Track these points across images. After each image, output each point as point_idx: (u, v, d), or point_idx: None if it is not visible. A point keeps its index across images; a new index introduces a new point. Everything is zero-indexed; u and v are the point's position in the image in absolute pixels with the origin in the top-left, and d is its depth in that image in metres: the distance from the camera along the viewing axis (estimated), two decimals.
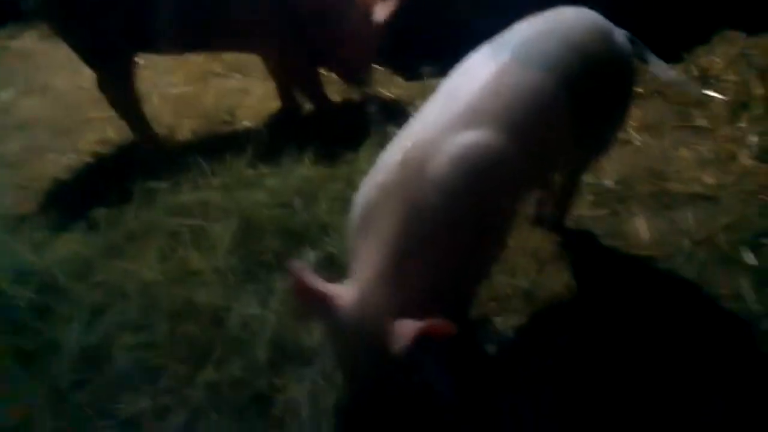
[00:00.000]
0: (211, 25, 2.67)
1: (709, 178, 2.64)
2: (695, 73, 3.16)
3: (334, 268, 2.07)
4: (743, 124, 2.86)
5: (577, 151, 1.97)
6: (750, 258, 2.29)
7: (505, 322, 2.10)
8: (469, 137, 1.52)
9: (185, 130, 3.09)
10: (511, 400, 1.86)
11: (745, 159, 2.71)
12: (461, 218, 1.51)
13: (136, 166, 2.72)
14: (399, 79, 3.43)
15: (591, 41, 1.76)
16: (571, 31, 1.76)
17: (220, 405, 1.79)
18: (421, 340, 1.35)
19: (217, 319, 1.95)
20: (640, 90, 3.15)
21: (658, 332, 2.07)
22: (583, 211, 2.52)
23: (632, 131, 2.91)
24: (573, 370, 1.95)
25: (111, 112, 2.91)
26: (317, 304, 1.46)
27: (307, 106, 3.21)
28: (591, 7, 1.94)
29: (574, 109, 1.70)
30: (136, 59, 2.83)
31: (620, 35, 1.90)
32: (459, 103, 1.58)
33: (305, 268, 1.48)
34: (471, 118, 1.55)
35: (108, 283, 2.14)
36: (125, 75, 2.75)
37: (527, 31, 1.75)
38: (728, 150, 2.76)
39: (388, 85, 3.37)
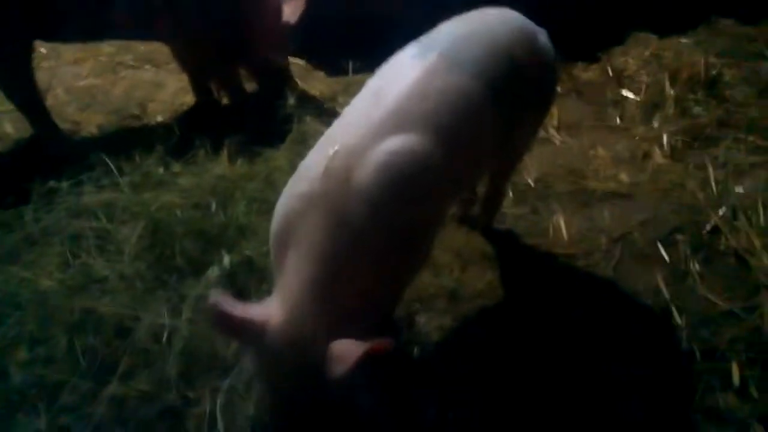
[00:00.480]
0: (114, 10, 2.49)
1: (624, 176, 2.71)
2: (611, 73, 3.24)
3: (252, 272, 1.98)
4: (656, 124, 2.96)
5: (502, 153, 1.97)
6: (665, 254, 2.36)
7: (429, 323, 2.07)
8: (395, 144, 1.47)
9: (91, 125, 2.90)
10: (434, 401, 1.83)
11: (659, 157, 2.80)
12: (389, 227, 1.46)
13: (36, 163, 2.52)
14: (321, 75, 3.35)
15: (517, 45, 1.75)
16: (498, 35, 1.73)
17: (126, 421, 1.66)
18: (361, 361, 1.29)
19: (122, 329, 1.82)
20: (558, 89, 3.21)
21: (578, 329, 2.10)
22: (505, 209, 2.54)
23: (552, 130, 2.96)
24: (495, 369, 1.95)
25: (8, 105, 2.68)
26: (242, 331, 1.37)
27: (224, 100, 3.08)
28: (511, 7, 1.93)
29: (500, 113, 1.68)
30: (36, 47, 2.61)
31: (543, 36, 1.90)
32: (385, 107, 1.51)
33: (223, 299, 1.38)
34: (397, 122, 1.49)
35: (2, 293, 1.96)
36: (22, 64, 2.54)
37: (454, 34, 1.71)
38: (643, 149, 2.85)
39: (310, 81, 3.29)
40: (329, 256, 1.41)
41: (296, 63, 3.38)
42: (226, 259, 1.94)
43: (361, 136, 1.47)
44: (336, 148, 1.47)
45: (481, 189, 2.40)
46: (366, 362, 1.30)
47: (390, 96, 1.53)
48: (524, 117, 1.87)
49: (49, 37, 2.71)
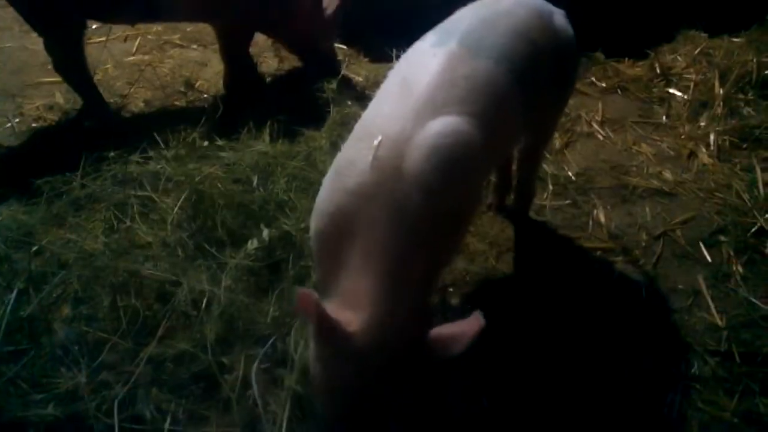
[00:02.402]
0: None
1: (668, 174, 2.67)
2: (658, 70, 3.18)
3: (291, 247, 2.00)
4: (703, 123, 2.90)
5: (529, 135, 1.98)
6: (706, 255, 2.32)
7: (462, 307, 2.06)
8: (439, 126, 1.46)
9: (139, 99, 2.96)
10: (469, 388, 1.83)
11: (704, 157, 2.74)
12: (443, 209, 1.45)
13: (84, 133, 2.59)
14: (364, 60, 3.36)
15: (535, 28, 1.75)
16: (515, 19, 1.73)
17: (162, 382, 1.70)
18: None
19: (163, 294, 1.86)
20: (602, 84, 3.18)
21: (614, 324, 2.08)
22: (543, 201, 2.52)
23: (595, 125, 2.92)
24: (527, 358, 1.93)
25: (59, 76, 2.76)
26: (329, 331, 1.33)
27: (268, 80, 3.12)
28: (560, 3, 1.93)
29: (523, 94, 1.68)
30: (86, 24, 2.69)
31: (560, 16, 1.90)
32: (418, 94, 1.49)
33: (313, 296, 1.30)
34: (433, 108, 1.47)
35: (48, 252, 2.01)
36: (73, 40, 2.61)
37: (471, 20, 1.70)
38: (688, 147, 2.80)
39: (353, 66, 3.31)
40: (396, 251, 1.39)
41: (340, 48, 3.40)
42: (265, 232, 1.96)
43: (402, 124, 1.45)
44: (379, 138, 1.44)
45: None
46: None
47: (420, 84, 1.52)
48: (548, 97, 1.87)
49: (101, 18, 2.77)
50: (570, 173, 2.65)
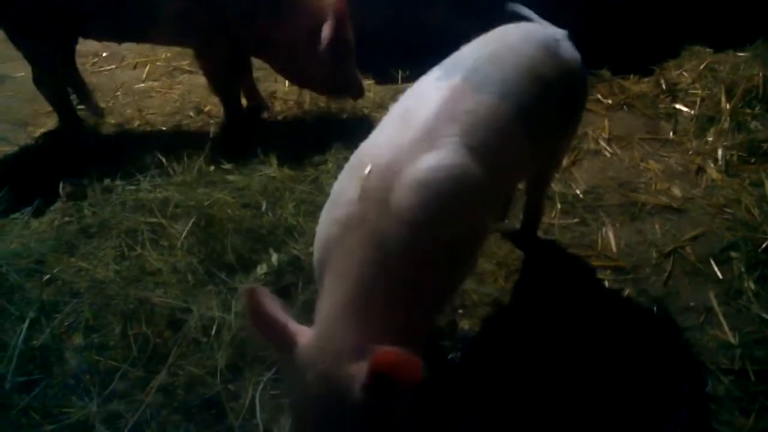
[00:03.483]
0: (141, 14, 2.58)
1: (677, 191, 2.66)
2: (664, 86, 3.18)
3: (300, 271, 2.01)
4: (711, 138, 2.89)
5: (536, 167, 1.95)
6: (717, 271, 2.30)
7: (472, 329, 2.06)
8: (430, 161, 1.42)
9: (148, 125, 3.00)
10: (477, 407, 1.82)
11: (713, 172, 2.73)
12: (429, 245, 1.43)
13: (95, 160, 2.61)
14: (371, 83, 3.39)
15: (541, 61, 1.74)
16: (520, 54, 1.72)
17: (171, 409, 1.70)
18: (388, 383, 1.21)
19: (174, 320, 1.87)
20: (608, 101, 3.18)
21: (626, 343, 2.06)
22: (552, 220, 2.51)
23: (602, 142, 2.93)
24: (538, 379, 1.92)
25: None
26: (276, 337, 1.33)
27: (277, 106, 3.14)
28: (566, 21, 1.94)
29: (529, 131, 1.66)
30: (71, 43, 2.77)
31: (566, 44, 1.88)
32: (415, 127, 1.48)
33: (265, 294, 1.34)
34: (429, 141, 1.46)
35: (60, 281, 2.03)
36: (51, 60, 2.69)
37: (476, 55, 1.70)
38: (696, 163, 2.79)
39: None
40: (365, 278, 1.37)
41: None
42: (275, 257, 1.97)
43: (395, 156, 1.43)
44: (369, 168, 1.43)
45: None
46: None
47: (418, 117, 1.51)
48: (557, 127, 1.86)
49: (80, 35, 2.81)
50: (578, 191, 2.65)
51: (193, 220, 2.07)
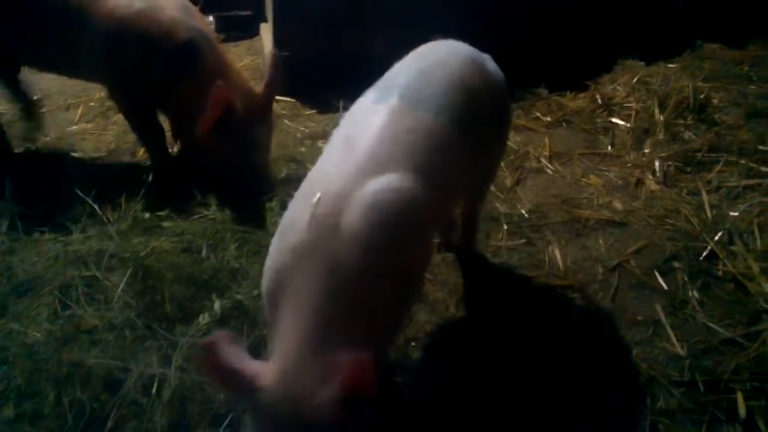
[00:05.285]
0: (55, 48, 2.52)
1: (618, 204, 2.71)
2: (600, 101, 3.25)
3: (244, 317, 1.95)
4: (647, 150, 2.96)
5: (474, 180, 2.00)
6: (662, 282, 2.34)
7: (425, 361, 2.03)
8: (378, 184, 1.46)
9: (80, 169, 2.88)
10: None
11: (651, 184, 2.79)
12: (383, 268, 1.43)
13: (21, 211, 2.49)
14: (313, 113, 3.36)
15: (470, 76, 1.79)
16: (451, 68, 1.77)
17: None
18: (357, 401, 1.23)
19: (111, 381, 1.77)
20: (547, 119, 3.24)
21: (578, 362, 2.06)
22: (499, 242, 2.52)
23: (544, 160, 2.96)
24: (496, 407, 1.90)
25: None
26: (234, 383, 1.30)
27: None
28: (501, 39, 1.98)
29: (467, 144, 1.70)
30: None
31: (491, 62, 1.95)
32: (360, 152, 1.51)
33: (222, 340, 1.29)
34: (375, 164, 1.49)
35: None
36: None
37: (409, 73, 1.74)
38: (635, 176, 2.85)
39: (301, 120, 3.30)
40: (323, 306, 1.36)
41: (287, 102, 3.39)
42: (217, 304, 1.90)
43: (343, 182, 1.46)
44: (319, 195, 1.44)
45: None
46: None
47: (362, 142, 1.53)
48: (488, 142, 1.90)
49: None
50: (523, 211, 2.67)
51: (129, 271, 1.98)
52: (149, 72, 2.48)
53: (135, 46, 2.45)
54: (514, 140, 3.04)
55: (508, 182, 2.82)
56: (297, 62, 3.26)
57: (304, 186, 1.56)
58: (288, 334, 1.36)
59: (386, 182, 1.47)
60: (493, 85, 1.90)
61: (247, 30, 4.20)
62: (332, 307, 1.37)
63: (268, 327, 1.53)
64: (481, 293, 2.31)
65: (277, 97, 3.37)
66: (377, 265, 1.41)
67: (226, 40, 4.10)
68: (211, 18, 4.24)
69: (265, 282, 1.48)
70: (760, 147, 2.87)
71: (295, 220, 1.47)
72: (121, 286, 1.95)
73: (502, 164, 2.81)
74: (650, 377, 2.02)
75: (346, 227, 1.40)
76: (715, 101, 3.14)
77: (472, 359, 2.06)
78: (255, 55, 3.93)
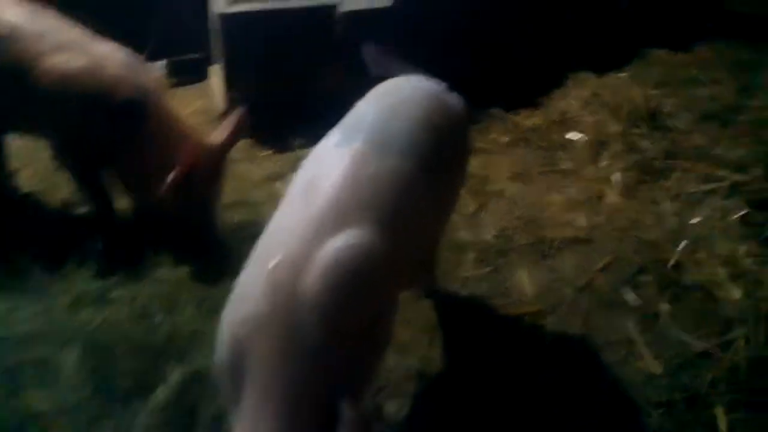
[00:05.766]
0: None
1: (581, 220, 2.69)
2: (554, 117, 3.25)
3: (204, 386, 1.86)
4: (605, 163, 2.95)
5: (435, 221, 1.93)
6: (632, 298, 2.31)
7: (399, 410, 1.96)
8: (338, 243, 1.38)
9: (25, 239, 2.74)
10: None
11: (613, 197, 2.78)
12: (347, 331, 1.35)
13: None
14: (269, 152, 3.29)
15: (434, 112, 1.74)
16: (415, 106, 1.71)
17: None
18: None
19: None
20: (505, 139, 3.21)
21: (555, 391, 2.01)
22: (466, 273, 2.47)
23: (504, 181, 2.93)
24: None
25: None
26: None
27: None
28: (452, 61, 1.94)
29: (433, 185, 1.64)
30: None
31: (452, 96, 1.90)
32: (320, 205, 1.43)
33: None
34: (335, 219, 1.40)
35: None
36: None
37: (372, 113, 1.67)
38: (596, 190, 2.83)
39: (257, 160, 3.23)
40: (291, 384, 1.28)
41: (242, 143, 3.30)
42: (175, 374, 1.81)
43: (301, 242, 1.37)
44: (277, 259, 1.36)
45: None
46: None
47: (322, 192, 1.45)
48: (450, 178, 1.85)
49: None
50: (488, 236, 2.63)
51: (79, 348, 1.88)
52: (93, 131, 2.39)
53: (76, 105, 2.37)
54: (473, 164, 2.95)
55: (471, 208, 2.78)
56: (250, 102, 3.20)
57: (260, 247, 1.47)
58: (254, 417, 1.27)
59: (346, 240, 1.38)
60: (456, 120, 1.84)
61: (198, 73, 4.13)
62: (298, 379, 1.29)
63: (227, 402, 1.43)
64: (452, 329, 2.25)
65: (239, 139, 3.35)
66: (340, 329, 1.33)
67: (177, 85, 4.01)
68: (161, 63, 4.16)
69: (221, 357, 1.38)
70: (715, 151, 2.88)
71: (249, 287, 1.38)
72: (71, 365, 1.84)
73: (464, 190, 2.75)
74: (629, 400, 1.98)
75: (304, 292, 1.32)
76: (667, 107, 3.16)
77: (450, 400, 2.00)
78: (205, 99, 3.86)
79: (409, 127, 1.63)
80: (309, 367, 1.30)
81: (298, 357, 1.29)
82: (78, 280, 2.20)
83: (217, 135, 2.46)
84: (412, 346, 2.17)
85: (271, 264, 1.36)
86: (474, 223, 2.71)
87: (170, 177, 2.23)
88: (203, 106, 3.76)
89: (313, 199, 1.45)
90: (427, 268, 2.30)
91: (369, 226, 1.43)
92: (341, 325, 1.34)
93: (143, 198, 2.46)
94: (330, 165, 1.52)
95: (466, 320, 2.29)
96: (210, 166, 2.40)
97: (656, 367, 2.06)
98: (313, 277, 1.33)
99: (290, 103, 3.29)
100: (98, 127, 2.35)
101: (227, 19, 3.17)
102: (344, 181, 1.47)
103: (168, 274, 2.20)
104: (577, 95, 3.33)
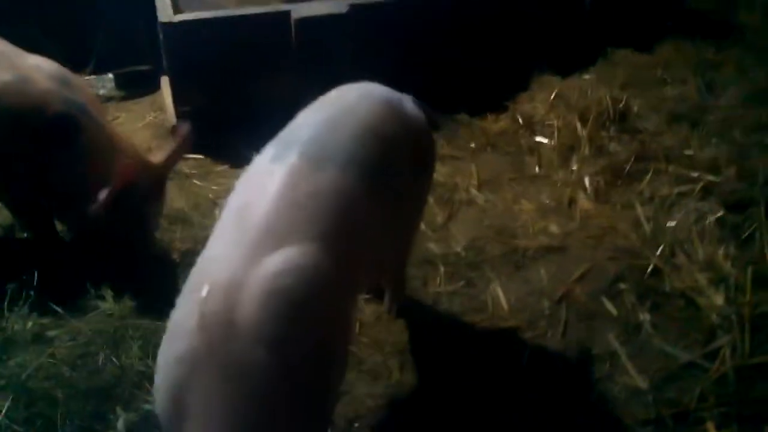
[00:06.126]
0: None
1: (554, 227, 2.59)
2: (521, 121, 3.15)
3: (157, 429, 1.67)
4: (575, 167, 2.87)
5: (395, 237, 1.84)
6: (611, 308, 2.21)
7: None
8: (275, 264, 1.26)
9: None
10: None
11: (584, 202, 2.69)
12: (296, 361, 1.23)
13: None
14: (225, 168, 3.12)
15: (384, 121, 1.61)
16: (361, 115, 1.59)
17: None
18: None
19: None
20: (472, 145, 3.10)
21: (537, 411, 1.90)
22: (437, 288, 2.34)
23: (473, 190, 2.82)
24: None
25: None
26: None
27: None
28: (410, 70, 1.81)
29: (381, 199, 1.52)
30: None
31: (409, 102, 1.79)
32: (254, 226, 1.30)
33: None
34: (271, 240, 1.29)
35: None
36: None
37: (313, 124, 1.55)
38: (567, 195, 2.74)
39: (213, 177, 3.05)
40: (237, 423, 1.16)
41: (196, 159, 3.13)
42: (121, 421, 1.63)
43: (234, 267, 1.25)
44: (207, 288, 1.22)
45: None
46: None
47: (257, 212, 1.32)
48: (409, 192, 1.73)
49: None
50: (458, 249, 2.51)
51: (10, 399, 1.68)
52: (22, 151, 2.19)
53: (1, 123, 2.17)
54: (440, 172, 2.88)
55: (439, 219, 2.66)
56: (201, 116, 3.02)
57: (192, 276, 1.33)
58: None
59: (284, 261, 1.26)
60: (413, 129, 1.72)
61: (149, 85, 3.94)
62: (245, 419, 1.17)
63: None
64: (425, 350, 2.11)
65: (185, 156, 3.16)
66: (287, 359, 1.20)
67: (126, 98, 3.82)
68: (110, 75, 3.96)
69: (159, 403, 1.24)
70: (686, 152, 2.82)
71: (181, 322, 1.25)
72: (3, 421, 1.64)
73: (431, 199, 2.64)
74: (615, 419, 1.88)
75: (243, 323, 1.19)
76: (635, 108, 3.10)
77: (427, 428, 1.86)
78: (158, 111, 3.66)
79: (350, 138, 1.51)
80: (255, 407, 1.17)
81: (242, 398, 1.17)
82: (6, 323, 1.96)
83: (159, 152, 2.29)
84: (382, 371, 2.03)
85: (202, 294, 1.22)
86: (443, 235, 2.59)
87: (103, 194, 2.05)
88: (155, 120, 3.58)
89: (246, 221, 1.33)
90: (396, 285, 2.17)
91: (310, 245, 1.31)
92: (290, 357, 1.21)
93: (77, 220, 2.25)
94: (263, 183, 1.39)
95: (440, 340, 2.16)
96: (149, 184, 2.22)
97: (641, 382, 1.96)
98: (250, 306, 1.20)
99: (244, 115, 3.11)
100: (27, 146, 2.15)
101: (170, 28, 2.96)
102: (279, 199, 1.35)
103: (112, 308, 2.00)
104: (543, 98, 3.23)
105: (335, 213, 1.39)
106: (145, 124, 3.50)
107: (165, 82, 3.66)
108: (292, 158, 1.42)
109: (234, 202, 1.43)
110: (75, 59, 3.38)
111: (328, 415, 1.46)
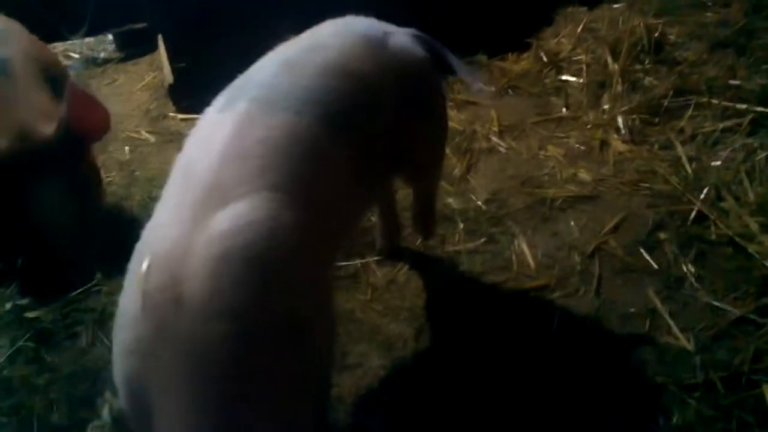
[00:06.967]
0: None
1: (584, 175, 2.36)
2: (545, 59, 2.88)
3: None
4: (606, 106, 2.61)
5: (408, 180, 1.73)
6: (650, 260, 2.01)
7: (388, 424, 1.66)
8: (220, 224, 1.07)
9: None
10: None
11: (618, 144, 2.45)
12: (266, 332, 1.06)
13: None
14: None
15: (355, 58, 1.42)
16: (325, 53, 1.39)
17: None
18: None
19: None
20: (491, 88, 2.85)
21: (571, 379, 1.73)
22: (456, 246, 2.15)
23: (494, 137, 2.59)
24: None
25: None
26: None
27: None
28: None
29: (351, 142, 1.34)
30: None
31: (398, 37, 1.57)
32: (198, 183, 1.13)
33: None
34: (216, 198, 1.11)
35: None
36: None
37: (269, 65, 1.37)
38: (598, 138, 2.50)
39: None
40: (202, 414, 1.00)
41: (193, 119, 2.93)
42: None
43: (176, 233, 1.07)
44: (147, 262, 1.05)
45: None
46: None
47: (201, 168, 1.15)
48: (407, 134, 1.55)
49: None
50: (479, 202, 2.30)
51: None
52: None
53: None
54: (457, 119, 2.66)
55: (458, 171, 2.45)
56: (197, 73, 2.83)
57: (135, 252, 1.15)
58: None
59: (231, 218, 1.08)
60: (398, 67, 1.51)
61: (149, 44, 3.77)
62: (212, 408, 1.01)
63: None
64: (444, 315, 1.94)
65: (183, 115, 2.99)
66: (249, 330, 1.03)
67: (126, 59, 3.67)
68: (110, 37, 3.81)
69: (121, 401, 1.10)
70: (732, 81, 2.54)
71: (126, 307, 1.08)
72: None
73: (448, 150, 2.42)
74: (657, 385, 1.69)
75: (191, 298, 1.01)
76: (672, 37, 2.81)
77: (444, 404, 1.70)
78: (157, 71, 3.49)
79: (307, 78, 1.32)
80: (219, 393, 1.01)
81: (204, 385, 1.01)
82: None
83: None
84: (396, 339, 1.87)
85: (142, 269, 1.05)
86: (461, 188, 2.38)
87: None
88: (154, 80, 3.41)
89: (190, 179, 1.15)
90: (422, 220, 2.01)
91: (261, 197, 1.13)
92: (250, 329, 1.04)
93: None
94: (209, 138, 1.21)
95: (459, 303, 1.98)
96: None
97: (687, 342, 1.76)
98: (197, 276, 1.02)
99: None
100: None
101: None
102: (226, 151, 1.16)
103: (101, 283, 1.85)
104: (569, 32, 2.96)
105: (290, 159, 1.20)
106: (143, 85, 3.34)
107: (162, 40, 3.49)
108: (241, 105, 1.24)
109: (181, 160, 1.26)
110: (70, 21, 3.25)
111: (315, 390, 1.29)
